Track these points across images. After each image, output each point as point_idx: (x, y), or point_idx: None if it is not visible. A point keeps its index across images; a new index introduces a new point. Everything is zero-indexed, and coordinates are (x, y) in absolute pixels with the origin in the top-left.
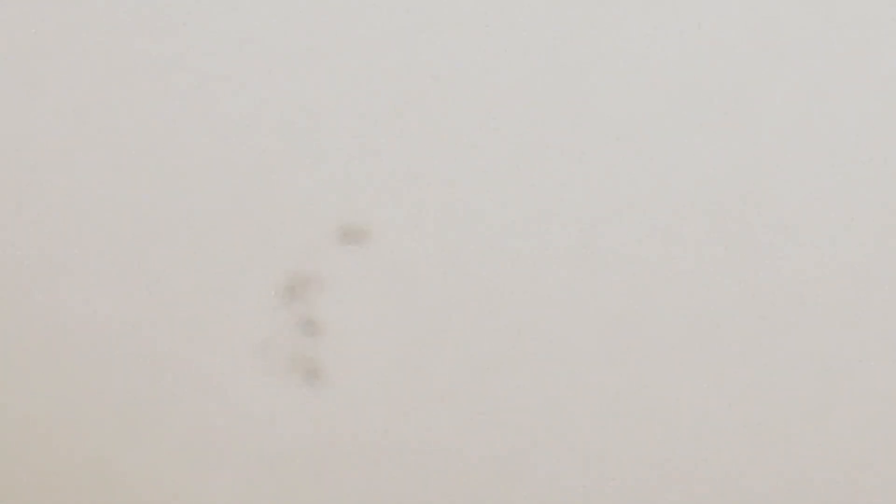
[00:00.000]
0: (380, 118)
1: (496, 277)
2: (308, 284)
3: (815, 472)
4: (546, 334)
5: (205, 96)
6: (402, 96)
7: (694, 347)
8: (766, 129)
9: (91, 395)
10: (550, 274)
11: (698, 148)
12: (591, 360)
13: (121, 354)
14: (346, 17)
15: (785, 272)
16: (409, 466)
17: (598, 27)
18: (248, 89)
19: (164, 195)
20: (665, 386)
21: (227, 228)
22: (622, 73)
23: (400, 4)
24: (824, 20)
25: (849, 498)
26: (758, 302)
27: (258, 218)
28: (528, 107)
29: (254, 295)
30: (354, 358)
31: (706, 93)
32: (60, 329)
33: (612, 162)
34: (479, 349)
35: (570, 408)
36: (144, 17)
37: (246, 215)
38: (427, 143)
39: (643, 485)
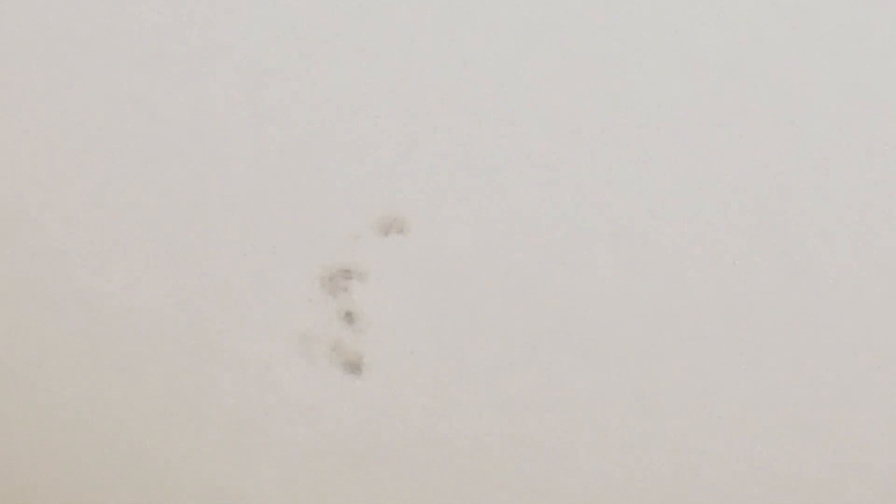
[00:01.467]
0: (420, 111)
1: (534, 268)
2: (348, 276)
3: (871, 458)
4: (584, 325)
5: (248, 88)
6: (441, 89)
7: (730, 339)
8: (805, 121)
9: (135, 386)
10: (588, 264)
11: (737, 140)
12: (630, 351)
13: (164, 345)
14: (389, 10)
15: (822, 262)
16: (448, 456)
17: (634, 19)
18: (292, 82)
19: (207, 187)
20: (699, 376)
21: (268, 221)
22: (660, 66)
23: None
24: (862, 13)
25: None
26: (797, 294)
27: (299, 210)
28: (566, 99)
29: (294, 287)
30: (394, 348)
31: (744, 85)
32: (104, 320)
33: (649, 153)
34: (518, 339)
35: (609, 397)
36: (187, 4)
37: (287, 208)
38: (466, 136)
39: (677, 471)
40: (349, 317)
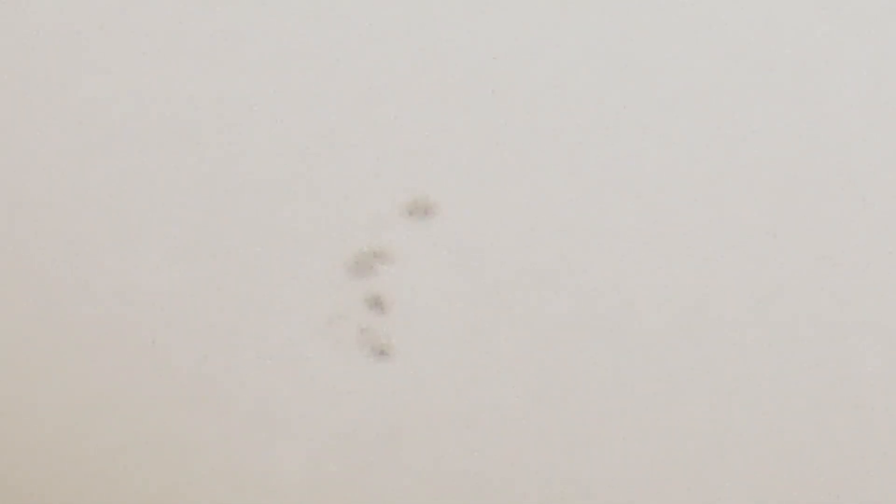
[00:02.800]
0: (447, 92)
1: (563, 251)
2: (376, 259)
3: None
4: (612, 307)
5: (275, 72)
6: (469, 71)
7: (757, 328)
8: (837, 105)
9: (161, 370)
10: (617, 247)
11: (767, 123)
12: (658, 334)
13: (189, 329)
14: None
15: (855, 248)
16: (477, 441)
17: (665, 2)
18: (317, 63)
19: (234, 171)
20: (725, 365)
21: (294, 203)
22: (688, 50)
23: None
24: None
25: None
26: (822, 283)
27: (326, 193)
28: (595, 83)
29: (322, 270)
30: (422, 332)
31: (775, 67)
32: (130, 305)
33: (678, 140)
34: (546, 323)
35: (637, 380)
36: None
37: (314, 190)
38: (494, 117)
39: (703, 459)
40: (376, 300)
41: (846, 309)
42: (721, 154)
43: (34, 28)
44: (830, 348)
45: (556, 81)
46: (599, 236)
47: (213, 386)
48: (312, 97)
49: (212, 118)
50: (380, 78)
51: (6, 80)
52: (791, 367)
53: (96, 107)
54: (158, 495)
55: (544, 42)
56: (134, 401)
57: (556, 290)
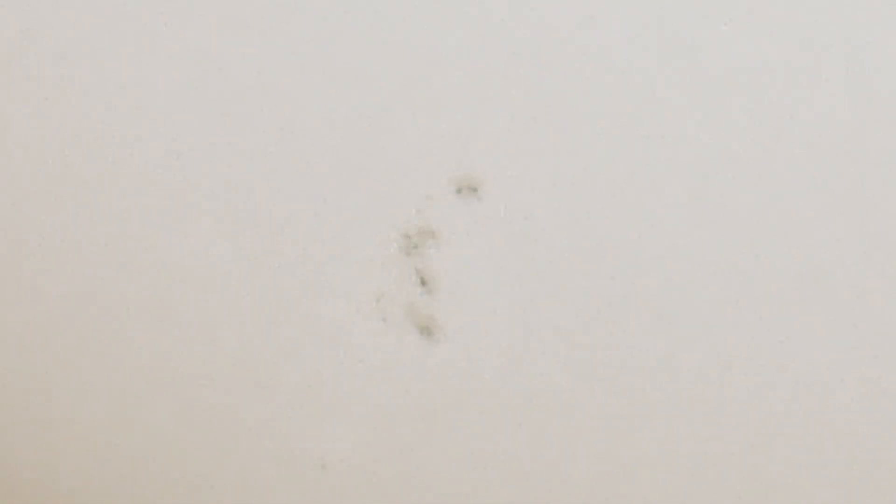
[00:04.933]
0: (495, 70)
1: (610, 230)
2: (424, 238)
3: None
4: (660, 286)
5: (322, 49)
6: (515, 48)
7: (812, 305)
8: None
9: (211, 347)
10: (665, 225)
11: (818, 97)
12: (710, 313)
13: (238, 306)
14: None
15: None
16: (522, 418)
17: None
18: (366, 42)
19: (284, 149)
20: (777, 342)
21: (343, 182)
22: (739, 24)
23: None
24: None
25: None
26: (880, 262)
27: (374, 171)
28: (643, 58)
29: (370, 248)
30: (470, 311)
31: (828, 41)
32: (181, 282)
33: (731, 115)
34: (594, 301)
35: (689, 359)
36: None
37: (362, 168)
38: (542, 95)
39: (755, 438)
40: (424, 278)
41: None
42: (771, 133)
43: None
44: (889, 332)
45: (606, 58)
46: (649, 214)
47: (261, 364)
48: (362, 75)
49: (260, 96)
50: (430, 55)
51: (71, 40)
52: (851, 345)
53: (144, 79)
54: (207, 475)
55: (594, 18)
56: (182, 379)
57: (605, 269)
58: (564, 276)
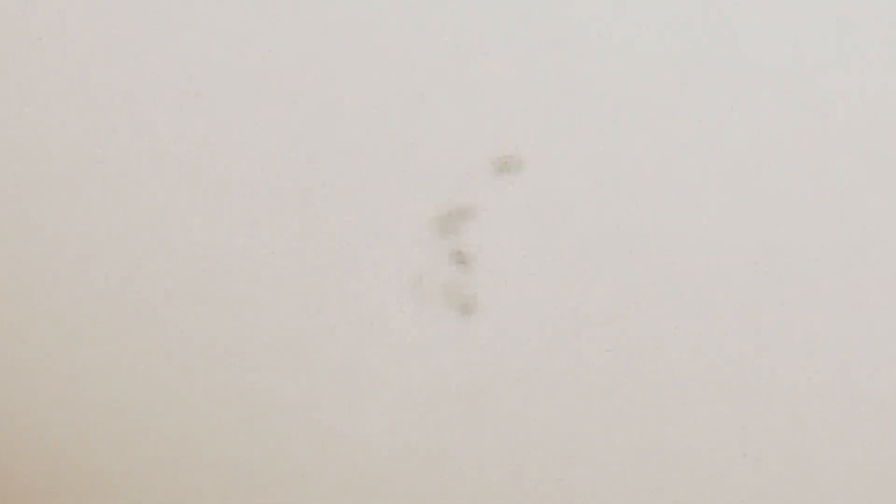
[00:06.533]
0: (534, 47)
1: (651, 210)
2: (462, 216)
3: None
4: (702, 266)
5: (360, 28)
6: (556, 26)
7: (850, 289)
8: None
9: (247, 329)
10: (709, 206)
11: (857, 79)
12: (748, 298)
13: (276, 289)
14: None
15: None
16: (562, 399)
17: None
18: (404, 18)
19: (320, 129)
20: (815, 326)
21: (380, 160)
22: (782, 8)
23: None
24: None
25: None
26: None
27: (411, 149)
28: (685, 37)
29: (407, 227)
30: (508, 290)
31: (866, 23)
32: (217, 265)
33: (770, 94)
34: (634, 280)
35: (730, 342)
36: None
37: (402, 146)
38: (581, 73)
39: (794, 422)
40: (462, 257)
41: None
42: (810, 119)
43: None
44: None
45: (646, 38)
46: (691, 195)
47: (298, 344)
48: (400, 52)
49: (297, 78)
50: (470, 33)
51: (103, 26)
52: (884, 333)
53: (177, 62)
54: (245, 457)
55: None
56: (219, 362)
57: (646, 250)
58: (604, 255)
